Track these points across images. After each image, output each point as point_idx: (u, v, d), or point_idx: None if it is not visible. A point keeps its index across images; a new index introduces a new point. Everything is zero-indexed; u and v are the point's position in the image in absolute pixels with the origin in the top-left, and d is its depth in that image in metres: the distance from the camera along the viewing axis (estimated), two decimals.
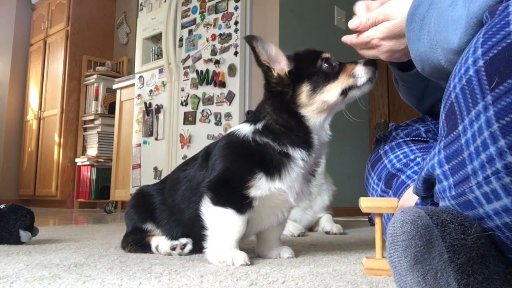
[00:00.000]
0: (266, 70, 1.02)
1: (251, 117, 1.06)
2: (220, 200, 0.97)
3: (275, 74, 1.01)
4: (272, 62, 1.02)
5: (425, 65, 0.82)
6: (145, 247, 1.15)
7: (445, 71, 0.74)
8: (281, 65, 1.02)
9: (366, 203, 0.82)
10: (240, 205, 0.97)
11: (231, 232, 0.97)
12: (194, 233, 1.09)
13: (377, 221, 0.84)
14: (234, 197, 0.97)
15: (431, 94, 1.16)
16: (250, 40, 1.00)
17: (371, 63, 1.02)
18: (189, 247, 1.10)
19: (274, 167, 0.97)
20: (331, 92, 0.99)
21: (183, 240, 1.10)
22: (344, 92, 1.00)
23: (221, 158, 1.01)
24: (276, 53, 1.02)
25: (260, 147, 0.98)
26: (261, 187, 0.96)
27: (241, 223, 0.97)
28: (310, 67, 1.01)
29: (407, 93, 1.20)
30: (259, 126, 1.00)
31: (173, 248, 1.10)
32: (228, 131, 1.07)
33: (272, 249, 1.10)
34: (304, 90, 0.99)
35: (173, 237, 1.14)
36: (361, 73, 1.00)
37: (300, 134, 0.99)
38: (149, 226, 1.18)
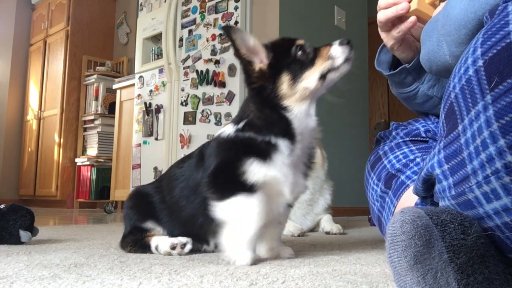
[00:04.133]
0: (247, 64, 1.01)
1: (237, 117, 1.07)
2: (225, 194, 0.97)
3: (257, 69, 1.01)
4: (251, 54, 1.01)
5: (433, 64, 0.84)
6: (144, 247, 1.15)
7: (451, 68, 0.76)
8: (260, 57, 1.01)
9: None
10: (246, 189, 0.95)
11: (251, 219, 0.95)
12: (194, 230, 1.10)
13: None
14: (237, 184, 0.96)
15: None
16: (228, 31, 0.98)
17: (346, 42, 1.02)
18: (189, 246, 1.10)
19: (262, 153, 0.97)
20: (310, 78, 0.99)
21: (183, 239, 1.10)
22: (323, 76, 1.00)
23: (213, 157, 1.03)
24: (254, 44, 1.01)
25: (245, 140, 0.99)
26: (255, 171, 0.96)
27: (258, 202, 0.95)
28: (287, 57, 1.01)
29: (405, 100, 1.24)
30: (241, 125, 1.02)
31: (173, 248, 1.09)
32: (216, 134, 1.09)
33: (272, 249, 1.10)
34: (285, 80, 0.99)
35: (175, 235, 1.14)
36: (337, 53, 1.01)
37: (282, 126, 0.99)
38: (149, 225, 1.17)
